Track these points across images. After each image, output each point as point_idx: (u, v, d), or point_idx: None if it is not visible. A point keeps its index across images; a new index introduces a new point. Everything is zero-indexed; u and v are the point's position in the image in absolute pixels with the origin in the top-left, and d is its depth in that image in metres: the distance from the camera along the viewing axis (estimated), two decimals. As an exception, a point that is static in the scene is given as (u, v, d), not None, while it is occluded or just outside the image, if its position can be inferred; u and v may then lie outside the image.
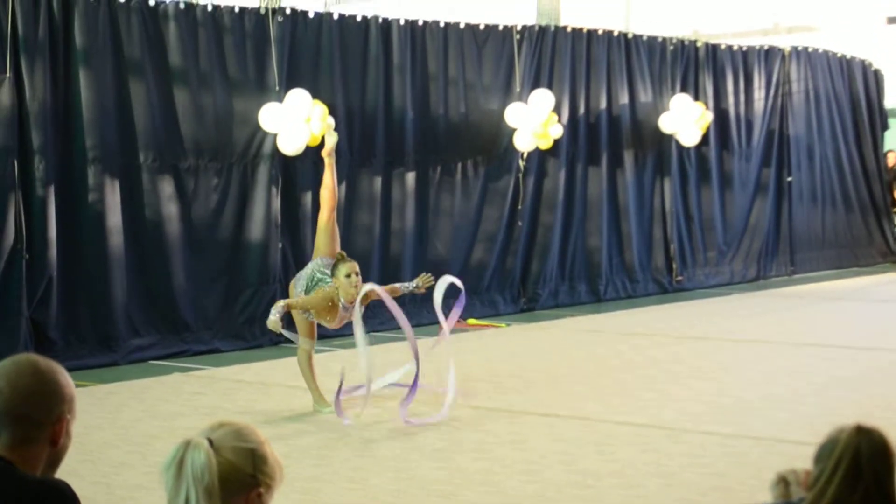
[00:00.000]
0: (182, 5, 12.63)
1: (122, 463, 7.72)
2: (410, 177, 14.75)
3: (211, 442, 2.68)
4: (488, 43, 15.64)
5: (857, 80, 21.96)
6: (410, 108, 14.67)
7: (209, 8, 12.78)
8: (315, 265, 9.30)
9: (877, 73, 22.67)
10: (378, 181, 14.35)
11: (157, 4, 12.34)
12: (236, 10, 12.96)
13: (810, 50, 20.85)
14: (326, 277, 9.10)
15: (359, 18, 14.29)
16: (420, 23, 14.91)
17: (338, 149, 13.62)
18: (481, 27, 15.63)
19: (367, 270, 14.22)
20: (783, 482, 3.43)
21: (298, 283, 9.34)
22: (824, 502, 3.04)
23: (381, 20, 14.50)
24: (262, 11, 13.27)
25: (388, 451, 8.00)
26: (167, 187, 12.33)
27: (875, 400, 9.43)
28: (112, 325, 11.88)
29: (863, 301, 16.67)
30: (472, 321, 14.51)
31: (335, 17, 14.13)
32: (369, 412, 8.98)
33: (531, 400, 9.69)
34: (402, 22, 14.67)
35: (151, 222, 12.19)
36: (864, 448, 3.06)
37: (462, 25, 15.38)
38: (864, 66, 22.30)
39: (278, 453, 2.83)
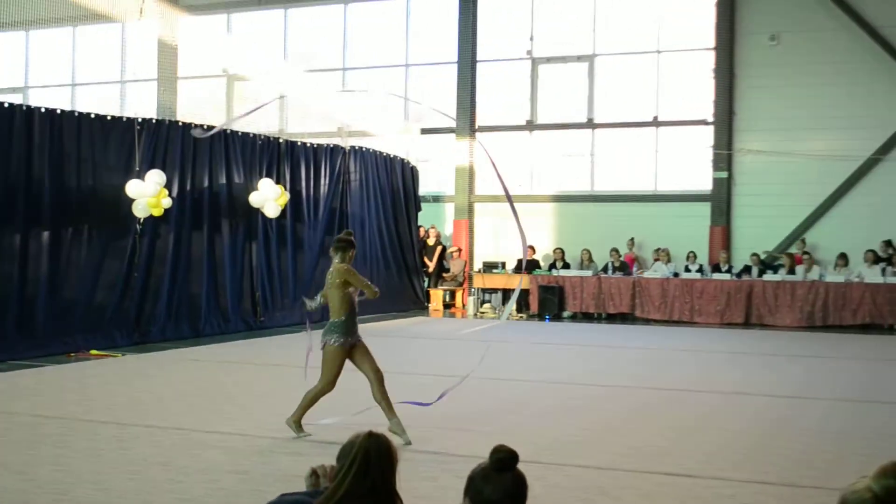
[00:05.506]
0: None
1: None
2: (46, 235, 14.05)
3: None
4: (114, 131, 15.18)
5: (398, 173, 22.84)
6: (48, 180, 14.00)
7: None
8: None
9: (413, 169, 23.66)
10: (18, 237, 13.60)
11: None
12: None
13: (364, 149, 21.53)
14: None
15: (6, 105, 13.52)
16: (58, 111, 14.28)
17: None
18: (109, 118, 15.16)
19: (4, 313, 13.41)
20: (315, 474, 3.53)
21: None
22: (341, 490, 3.15)
23: (24, 107, 13.79)
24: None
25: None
26: None
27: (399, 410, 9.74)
28: None
29: (400, 337, 17.26)
30: (94, 352, 13.93)
31: (-17, 104, 13.33)
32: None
33: (138, 414, 9.41)
34: (42, 110, 14.00)
35: None
36: (372, 449, 3.19)
37: (93, 115, 14.88)
38: (404, 163, 23.23)
39: None
